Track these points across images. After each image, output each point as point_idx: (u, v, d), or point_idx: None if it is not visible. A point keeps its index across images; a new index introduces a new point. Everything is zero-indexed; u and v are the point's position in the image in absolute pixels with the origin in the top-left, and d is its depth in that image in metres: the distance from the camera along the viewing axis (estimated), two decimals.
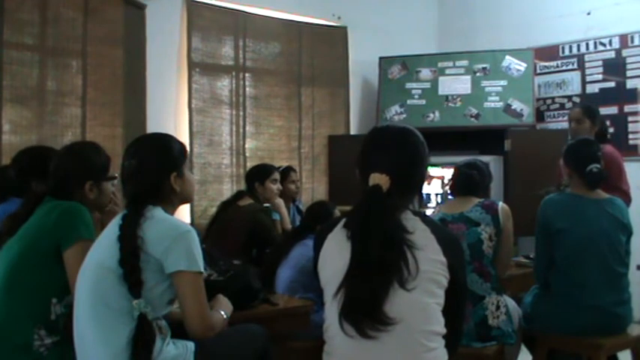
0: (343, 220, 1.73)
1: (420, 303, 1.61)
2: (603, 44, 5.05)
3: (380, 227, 1.62)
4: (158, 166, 1.94)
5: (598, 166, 2.78)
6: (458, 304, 1.75)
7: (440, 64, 5.48)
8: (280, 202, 4.12)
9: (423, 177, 1.81)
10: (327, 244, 1.73)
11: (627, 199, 3.54)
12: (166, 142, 2.01)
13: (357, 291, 1.60)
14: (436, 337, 1.63)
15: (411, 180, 1.77)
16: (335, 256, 1.69)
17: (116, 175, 2.23)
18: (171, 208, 1.97)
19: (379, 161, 1.72)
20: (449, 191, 2.99)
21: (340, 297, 1.61)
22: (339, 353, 1.65)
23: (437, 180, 5.01)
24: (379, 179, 1.67)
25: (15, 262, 1.97)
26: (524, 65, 5.24)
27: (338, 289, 1.62)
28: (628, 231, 2.80)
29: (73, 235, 1.98)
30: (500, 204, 2.80)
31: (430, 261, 1.63)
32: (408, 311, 1.59)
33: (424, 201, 4.95)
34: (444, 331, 1.65)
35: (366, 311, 1.58)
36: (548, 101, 5.39)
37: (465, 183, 2.87)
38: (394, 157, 1.73)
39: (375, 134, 1.83)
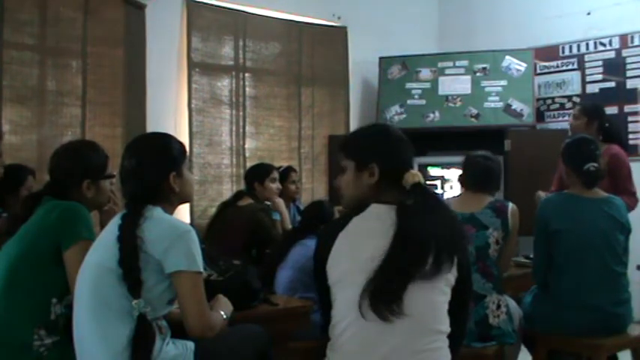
0: (355, 218, 1.75)
1: (432, 301, 1.65)
2: (603, 44, 5.05)
3: (431, 225, 1.67)
4: (157, 165, 1.94)
5: (595, 164, 2.76)
6: (463, 302, 1.78)
7: (440, 64, 5.47)
8: (280, 201, 4.12)
9: None
10: (339, 241, 1.74)
11: (635, 202, 3.52)
12: (165, 141, 2.02)
13: (388, 283, 1.61)
14: (441, 337, 1.66)
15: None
16: (351, 253, 1.71)
17: (114, 173, 2.23)
18: (170, 207, 1.96)
19: (407, 158, 1.82)
20: (460, 186, 2.91)
21: (365, 289, 1.62)
22: (346, 349, 1.67)
23: (437, 180, 5.02)
24: (417, 176, 1.75)
25: (15, 262, 1.97)
26: (524, 65, 5.24)
27: (346, 281, 1.66)
28: (626, 230, 2.79)
29: (74, 236, 1.98)
30: (511, 206, 2.74)
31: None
32: (421, 309, 1.62)
33: None
34: (448, 330, 1.68)
35: (385, 300, 1.60)
36: (548, 101, 5.39)
37: (483, 176, 2.80)
38: (410, 152, 1.83)
39: (387, 132, 1.88)
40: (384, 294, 1.60)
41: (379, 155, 1.80)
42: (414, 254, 1.64)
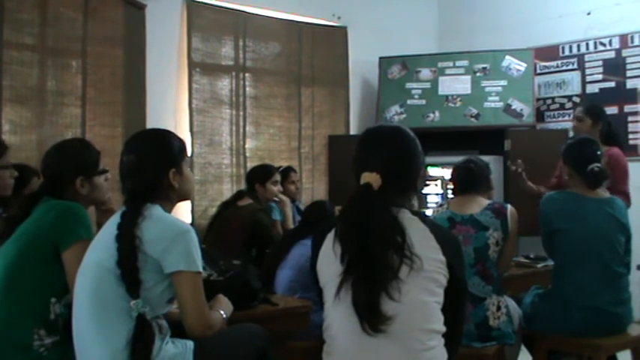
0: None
1: (419, 301, 1.62)
2: (603, 44, 5.05)
3: (374, 225, 1.63)
4: (156, 162, 1.93)
5: (599, 165, 2.78)
6: (458, 303, 1.75)
7: (440, 64, 5.47)
8: (286, 200, 4.14)
9: (416, 174, 1.80)
10: (326, 243, 1.73)
11: (628, 202, 3.55)
12: (165, 137, 2.01)
13: (355, 292, 1.61)
14: (435, 336, 1.64)
15: (404, 177, 1.77)
16: (333, 255, 1.69)
17: (107, 168, 2.23)
18: (169, 205, 1.96)
19: (370, 160, 1.73)
20: (452, 193, 2.97)
21: (343, 296, 1.62)
22: (339, 352, 1.66)
23: (437, 180, 5.02)
24: (369, 178, 1.69)
25: (13, 262, 1.97)
26: (524, 65, 5.24)
27: (338, 289, 1.63)
28: (626, 232, 2.79)
29: (72, 236, 1.98)
30: (509, 207, 2.78)
31: (429, 259, 1.64)
32: (408, 309, 1.60)
33: (424, 201, 4.96)
34: (443, 329, 1.66)
35: (364, 312, 1.59)
36: (548, 101, 5.39)
37: (466, 178, 2.86)
38: (385, 155, 1.74)
39: (366, 135, 1.84)
40: (362, 308, 1.59)
41: (352, 162, 1.80)
42: (358, 259, 1.62)
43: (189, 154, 2.10)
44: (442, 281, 1.66)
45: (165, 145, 1.97)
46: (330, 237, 1.72)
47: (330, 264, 1.69)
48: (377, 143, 1.79)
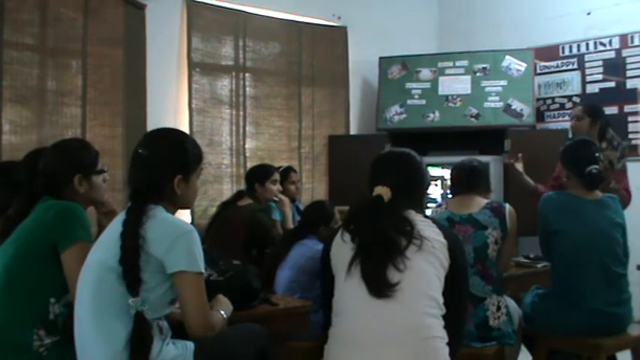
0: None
1: (421, 269, 1.86)
2: (603, 44, 5.05)
3: (384, 221, 1.91)
4: (165, 163, 1.91)
5: (597, 167, 2.78)
6: (458, 290, 1.96)
7: (440, 64, 5.47)
8: (285, 200, 4.14)
9: (421, 193, 2.13)
10: (339, 234, 2.01)
11: (628, 198, 3.56)
12: (182, 142, 1.97)
13: (364, 265, 1.87)
14: (435, 305, 1.84)
15: (411, 193, 2.05)
16: (346, 243, 1.96)
17: (105, 168, 2.23)
18: (172, 208, 1.95)
19: (382, 177, 2.03)
20: (450, 193, 2.96)
21: (354, 270, 1.88)
22: (348, 315, 1.87)
23: (437, 180, 5.02)
24: (380, 190, 1.98)
25: (12, 262, 1.97)
26: (524, 65, 5.24)
27: (349, 265, 1.89)
28: (622, 229, 2.79)
29: (71, 236, 1.98)
30: (507, 207, 2.78)
31: (433, 239, 1.91)
32: (411, 275, 1.84)
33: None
34: (443, 308, 1.85)
35: (371, 280, 1.84)
36: (548, 101, 5.39)
37: (464, 178, 2.85)
38: (395, 173, 2.04)
39: (379, 157, 2.16)
40: (370, 277, 1.85)
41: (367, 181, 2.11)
42: (370, 241, 1.92)
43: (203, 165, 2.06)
44: (444, 262, 1.90)
45: (179, 149, 1.94)
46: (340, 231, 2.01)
47: (342, 248, 1.96)
48: (389, 164, 2.11)
